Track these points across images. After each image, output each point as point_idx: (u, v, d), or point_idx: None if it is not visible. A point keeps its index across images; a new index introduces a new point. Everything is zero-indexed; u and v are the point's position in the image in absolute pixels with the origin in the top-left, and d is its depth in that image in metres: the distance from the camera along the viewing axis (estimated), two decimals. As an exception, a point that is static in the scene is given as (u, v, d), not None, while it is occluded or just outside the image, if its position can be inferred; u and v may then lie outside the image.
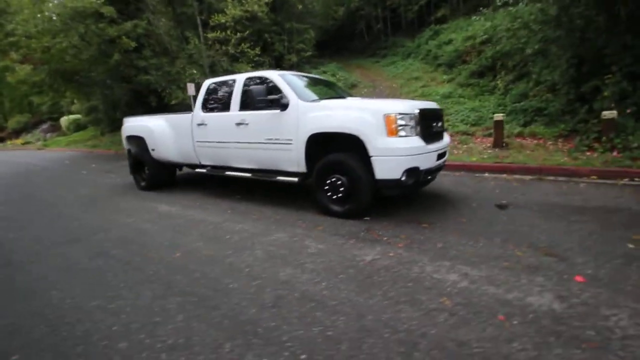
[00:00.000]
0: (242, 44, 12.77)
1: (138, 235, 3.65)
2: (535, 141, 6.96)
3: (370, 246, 2.92)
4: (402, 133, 3.33)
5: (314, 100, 3.95)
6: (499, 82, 11.16)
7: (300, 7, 15.85)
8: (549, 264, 2.45)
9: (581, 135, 6.20)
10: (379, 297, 2.14)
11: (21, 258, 3.24)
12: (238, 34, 12.75)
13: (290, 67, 16.92)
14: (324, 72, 17.61)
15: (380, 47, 23.50)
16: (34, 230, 4.08)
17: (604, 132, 5.71)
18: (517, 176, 5.37)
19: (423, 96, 12.46)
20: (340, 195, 3.64)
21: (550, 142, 6.71)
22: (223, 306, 2.17)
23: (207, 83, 5.09)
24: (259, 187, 5.69)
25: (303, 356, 1.69)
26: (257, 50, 13.53)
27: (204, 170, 5.14)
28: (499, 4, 8.44)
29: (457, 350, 1.66)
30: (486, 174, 5.69)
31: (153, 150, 5.59)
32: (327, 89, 4.77)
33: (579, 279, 2.22)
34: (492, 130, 8.28)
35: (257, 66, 14.42)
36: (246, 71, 13.72)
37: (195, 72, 12.20)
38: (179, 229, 3.74)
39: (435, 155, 3.62)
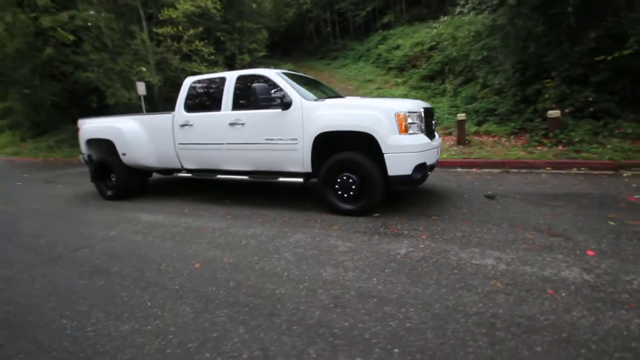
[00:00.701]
0: (197, 42, 12.11)
1: (131, 248, 3.28)
2: (491, 138, 7.72)
3: (396, 240, 3.00)
4: (411, 130, 3.49)
5: (316, 100, 3.93)
6: (447, 85, 12.14)
7: (254, 5, 15.49)
8: (559, 243, 2.76)
9: (531, 132, 7.04)
10: (434, 287, 2.22)
11: (-5, 284, 2.73)
12: (191, 30, 12.06)
13: (243, 67, 16.49)
14: (279, 73, 17.44)
15: (330, 50, 24.03)
16: (-8, 252, 3.45)
17: (550, 129, 6.56)
18: (486, 170, 5.92)
19: (379, 98, 13.00)
20: (352, 193, 3.68)
21: (504, 139, 7.49)
22: (282, 313, 2.07)
23: (189, 81, 4.76)
24: (243, 190, 5.49)
25: (395, 350, 1.70)
26: (211, 49, 12.95)
27: (188, 175, 4.80)
28: (456, 13, 9.13)
29: (531, 325, 1.81)
30: (459, 169, 6.18)
31: (124, 154, 5.05)
32: (317, 88, 4.77)
33: (590, 253, 2.55)
34: (451, 130, 8.99)
35: (211, 65, 13.83)
36: (199, 70, 13.12)
37: (144, 69, 11.27)
38: (180, 238, 3.45)
39: (436, 151, 3.85)
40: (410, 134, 3.46)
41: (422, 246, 2.84)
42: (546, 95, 7.15)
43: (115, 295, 2.44)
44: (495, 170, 5.78)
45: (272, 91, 4.09)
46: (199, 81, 4.73)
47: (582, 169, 5.38)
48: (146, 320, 2.10)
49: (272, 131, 4.01)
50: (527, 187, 4.61)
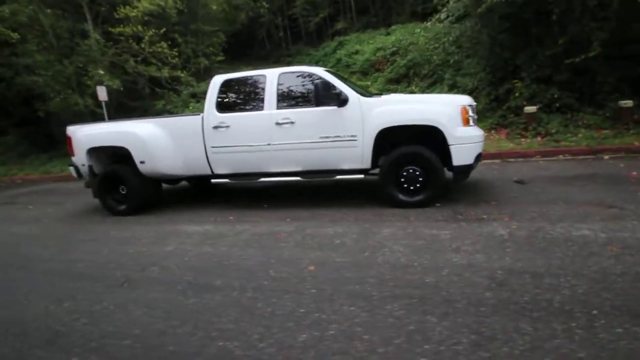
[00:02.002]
0: (162, 43, 11.23)
1: (213, 260, 2.99)
2: (473, 133, 8.46)
3: (486, 224, 3.18)
4: (471, 122, 3.73)
5: (372, 96, 3.99)
6: (414, 87, 12.98)
7: (215, 7, 14.86)
8: (621, 212, 3.18)
9: (510, 126, 7.89)
10: (566, 258, 2.43)
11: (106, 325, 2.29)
12: (150, 31, 11.13)
13: (202, 71, 15.69)
14: (242, 78, 16.93)
15: (284, 55, 23.98)
16: (55, 282, 2.86)
17: (528, 123, 7.43)
18: (486, 160, 6.49)
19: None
20: (418, 185, 3.79)
21: (486, 134, 8.27)
22: (456, 298, 2.08)
23: (219, 80, 4.45)
24: (258, 194, 5.27)
25: (594, 312, 1.84)
26: (175, 51, 12.11)
27: (223, 181, 4.47)
28: (428, 22, 9.76)
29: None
30: (461, 162, 6.68)
31: (142, 162, 4.51)
32: (354, 85, 4.79)
33: (655, 218, 3.01)
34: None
35: (172, 69, 12.88)
36: (160, 75, 12.17)
37: (102, 72, 10.11)
38: (259, 245, 3.24)
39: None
40: (471, 125, 3.71)
41: (514, 227, 3.06)
42: (517, 94, 8.08)
43: (249, 307, 2.22)
44: (497, 161, 6.37)
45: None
46: (231, 80, 4.45)
47: (567, 155, 6.21)
48: (319, 326, 1.96)
49: (327, 129, 3.96)
50: (538, 172, 5.18)
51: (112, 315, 2.29)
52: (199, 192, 5.96)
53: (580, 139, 6.56)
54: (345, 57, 17.59)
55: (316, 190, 5.20)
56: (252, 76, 4.42)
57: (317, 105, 3.90)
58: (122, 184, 4.75)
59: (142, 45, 11.10)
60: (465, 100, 3.79)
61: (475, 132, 3.72)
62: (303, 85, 4.19)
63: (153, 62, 12.07)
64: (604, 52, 6.42)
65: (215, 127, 4.33)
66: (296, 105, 4.14)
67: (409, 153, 3.78)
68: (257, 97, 4.27)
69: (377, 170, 4.02)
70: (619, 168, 4.92)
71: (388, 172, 3.87)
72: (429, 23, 9.39)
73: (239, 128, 4.26)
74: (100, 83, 9.86)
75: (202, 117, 4.41)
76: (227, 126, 4.29)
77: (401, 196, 3.87)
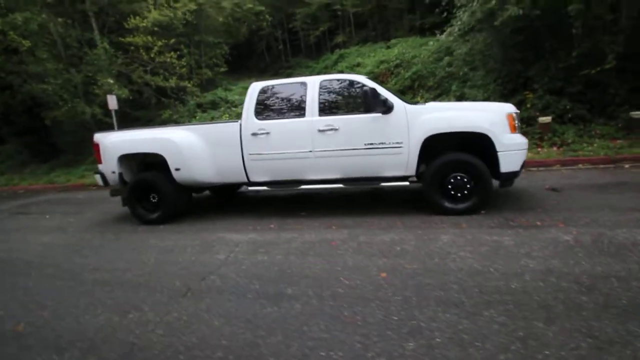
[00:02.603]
0: (170, 53, 11.21)
1: (274, 268, 2.91)
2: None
3: (548, 231, 3.16)
4: (517, 130, 3.77)
5: (416, 104, 4.01)
6: (419, 98, 13.19)
7: (221, 19, 14.96)
8: None
9: (526, 136, 8.01)
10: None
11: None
12: (159, 42, 11.12)
13: (205, 82, 15.68)
14: (245, 89, 16.98)
15: (283, 67, 24.20)
16: (104, 299, 2.72)
17: (543, 133, 7.58)
18: (507, 170, 6.56)
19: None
20: (465, 192, 3.78)
21: (499, 144, 8.40)
22: (558, 304, 2.04)
23: (257, 87, 4.43)
24: (292, 201, 5.20)
25: None
26: (183, 62, 12.10)
27: (261, 188, 4.39)
28: (449, 36, 9.84)
29: None
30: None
31: (177, 170, 4.41)
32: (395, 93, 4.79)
33: None
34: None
35: (179, 79, 12.85)
36: (168, 84, 12.11)
37: (111, 81, 9.99)
38: (316, 252, 3.16)
39: (524, 149, 4.20)
40: (517, 133, 3.75)
41: (575, 233, 3.06)
42: (528, 105, 8.26)
43: (336, 315, 2.14)
44: (518, 170, 6.44)
45: (358, 97, 4.06)
46: (269, 87, 4.42)
47: (586, 164, 6.33)
48: (421, 334, 1.90)
49: (372, 136, 3.95)
50: (566, 180, 5.24)
51: (189, 325, 2.17)
52: (222, 201, 5.86)
53: (597, 149, 6.70)
54: (348, 70, 17.82)
55: (348, 198, 5.16)
56: (291, 83, 4.42)
57: (367, 111, 3.89)
58: (153, 192, 4.63)
59: (152, 55, 11.05)
60: (511, 107, 3.85)
61: (521, 140, 3.76)
62: (344, 92, 4.20)
63: (160, 72, 12.04)
64: (617, 65, 6.64)
65: (254, 134, 4.28)
66: (339, 112, 4.14)
67: (457, 160, 3.78)
68: (298, 104, 4.25)
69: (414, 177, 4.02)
70: (645, 176, 5.03)
71: (432, 179, 3.86)
72: (441, 36, 9.54)
73: (279, 135, 4.22)
74: (110, 92, 9.74)
75: (240, 124, 4.36)
76: (267, 133, 4.24)
77: (447, 203, 3.85)
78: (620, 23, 6.36)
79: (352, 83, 4.16)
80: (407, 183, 3.97)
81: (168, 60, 11.31)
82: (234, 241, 3.66)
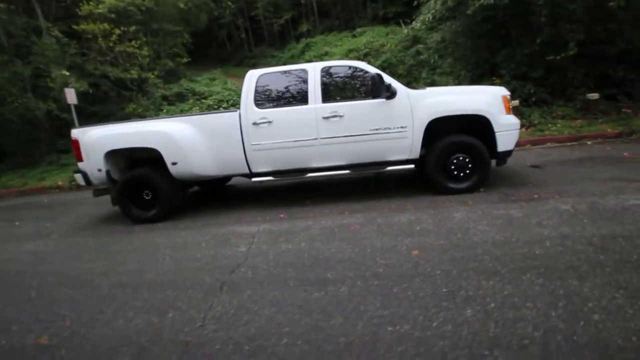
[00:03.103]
0: (132, 42, 10.44)
1: (303, 256, 2.91)
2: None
3: (547, 202, 3.44)
4: (512, 111, 4.03)
5: (417, 89, 4.13)
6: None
7: (182, 5, 14.11)
8: None
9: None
10: None
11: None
12: (117, 30, 10.29)
13: (168, 74, 14.85)
14: (212, 80, 16.36)
15: (247, 57, 23.56)
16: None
17: (512, 115, 8.13)
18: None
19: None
20: (467, 172, 3.99)
21: (472, 127, 8.89)
22: (582, 265, 2.26)
23: (255, 74, 4.30)
24: (283, 191, 5.18)
25: None
26: (145, 51, 11.32)
27: (265, 179, 4.31)
28: (423, 25, 10.06)
29: None
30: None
31: (174, 164, 4.18)
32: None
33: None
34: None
35: (142, 70, 12.03)
36: (130, 75, 11.32)
37: (67, 73, 9.12)
38: (340, 237, 3.20)
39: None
40: (511, 114, 4.01)
41: (571, 202, 3.37)
42: (496, 90, 8.80)
43: (387, 293, 2.20)
44: (495, 150, 6.88)
45: (364, 81, 4.10)
46: (268, 74, 4.31)
47: (554, 143, 6.91)
48: (475, 301, 2.01)
49: (377, 121, 4.02)
50: (543, 158, 5.69)
51: (240, 318, 2.12)
52: (211, 195, 5.68)
53: (561, 128, 7.34)
54: (316, 59, 17.72)
55: (346, 185, 5.22)
56: (290, 70, 4.34)
57: (374, 97, 3.94)
58: (147, 189, 4.36)
59: (110, 44, 10.22)
60: (504, 90, 4.10)
61: (515, 120, 4.02)
62: (346, 78, 4.21)
63: (120, 62, 11.19)
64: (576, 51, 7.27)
65: (256, 124, 4.17)
66: (341, 98, 4.15)
67: (459, 142, 3.97)
68: (299, 91, 4.20)
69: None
70: (608, 151, 5.60)
71: (437, 161, 4.02)
72: (414, 25, 9.75)
73: (282, 123, 4.14)
74: (67, 85, 8.90)
75: (240, 114, 4.22)
76: (269, 122, 4.15)
77: (450, 183, 4.05)
78: (578, 13, 6.93)
79: (353, 69, 4.18)
80: (412, 166, 4.10)
81: (129, 49, 10.51)
82: (248, 233, 3.58)
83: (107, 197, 4.60)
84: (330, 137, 4.09)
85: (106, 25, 10.08)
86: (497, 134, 3.90)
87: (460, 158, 3.98)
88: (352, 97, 4.13)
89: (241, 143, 4.22)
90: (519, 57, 8.35)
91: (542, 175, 4.53)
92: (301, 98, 4.18)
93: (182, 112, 11.91)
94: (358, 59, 15.62)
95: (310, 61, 18.30)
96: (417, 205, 3.84)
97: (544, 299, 1.96)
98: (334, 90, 4.18)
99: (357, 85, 4.15)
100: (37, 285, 2.93)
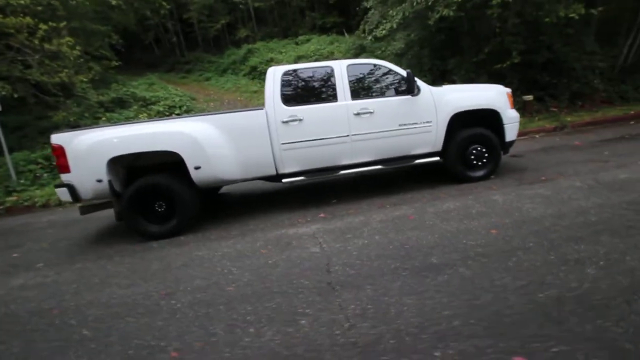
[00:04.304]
0: (66, 39, 8.99)
1: (390, 247, 2.90)
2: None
3: (558, 183, 3.99)
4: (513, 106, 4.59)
5: (436, 86, 4.42)
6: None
7: (113, 2, 12.62)
8: (614, 163, 4.48)
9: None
10: (644, 190, 3.39)
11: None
12: (50, 24, 8.80)
13: (93, 80, 13.11)
14: (152, 85, 14.92)
15: (180, 62, 22.13)
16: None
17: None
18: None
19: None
20: (484, 161, 4.39)
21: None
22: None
23: (279, 71, 4.11)
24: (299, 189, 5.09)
25: None
26: (78, 50, 9.84)
27: (298, 179, 4.13)
28: (370, 34, 10.59)
29: None
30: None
31: (197, 168, 3.74)
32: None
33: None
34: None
35: (76, 74, 10.43)
36: (54, 82, 9.73)
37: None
38: (408, 228, 3.25)
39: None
40: (513, 109, 4.55)
41: (578, 180, 3.97)
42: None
43: (506, 267, 2.33)
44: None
45: (388, 78, 4.27)
46: (292, 71, 4.16)
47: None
48: (582, 265, 2.26)
49: (404, 116, 4.19)
50: (512, 149, 6.53)
51: (387, 310, 2.03)
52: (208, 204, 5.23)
53: (509, 125, 8.51)
54: (262, 65, 17.49)
55: (353, 183, 5.27)
56: (314, 67, 4.27)
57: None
58: (161, 199, 3.83)
59: (36, 42, 8.64)
60: (506, 88, 4.64)
61: (516, 114, 4.58)
62: (371, 75, 4.31)
63: (46, 63, 9.53)
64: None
65: (285, 122, 3.99)
66: (368, 95, 4.23)
67: (476, 134, 4.36)
68: (327, 88, 4.16)
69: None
70: (559, 141, 6.69)
71: (457, 152, 4.36)
72: (374, 34, 10.24)
73: (314, 121, 4.04)
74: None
75: (266, 112, 4.00)
76: (300, 120, 4.01)
77: (469, 172, 4.42)
78: (519, 27, 8.19)
79: (377, 66, 4.30)
80: (438, 158, 4.36)
81: (62, 49, 9.02)
82: (305, 234, 3.40)
83: (73, 217, 3.90)
84: (362, 134, 4.13)
85: (29, 20, 8.50)
86: (505, 126, 4.41)
87: (478, 148, 4.39)
88: (379, 94, 4.25)
89: (269, 143, 4.00)
90: (467, 65, 9.47)
91: (528, 163, 5.21)
92: (330, 95, 4.14)
93: (128, 120, 10.67)
94: (308, 65, 15.89)
95: (255, 67, 18.06)
96: (450, 194, 4.10)
97: (633, 254, 2.30)
98: (360, 87, 4.23)
99: (382, 82, 4.28)
100: (81, 321, 2.36)
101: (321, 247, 3.05)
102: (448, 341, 1.74)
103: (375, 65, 4.33)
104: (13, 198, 7.05)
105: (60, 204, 6.88)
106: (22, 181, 7.61)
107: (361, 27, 14.53)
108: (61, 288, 2.92)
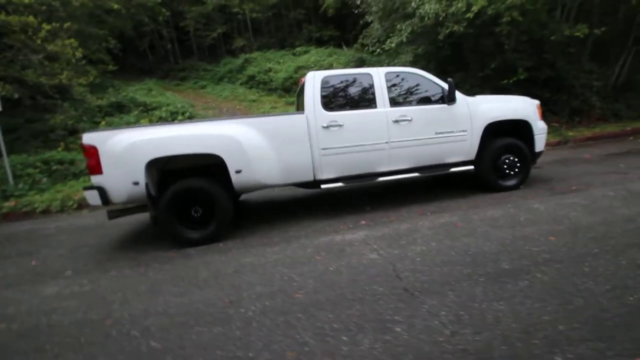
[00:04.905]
0: (71, 40, 8.74)
1: (451, 252, 2.86)
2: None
3: (590, 192, 4.09)
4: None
5: (469, 95, 4.50)
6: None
7: (116, 6, 12.41)
8: (635, 174, 4.64)
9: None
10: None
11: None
12: (52, 23, 8.55)
13: (91, 85, 12.77)
14: (150, 91, 14.64)
15: (174, 69, 21.86)
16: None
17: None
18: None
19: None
20: (515, 170, 4.46)
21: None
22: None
23: (319, 76, 4.09)
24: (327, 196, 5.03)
25: None
26: (80, 52, 9.57)
27: (336, 185, 4.06)
28: (391, 45, 10.75)
29: None
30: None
31: (238, 172, 3.63)
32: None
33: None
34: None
35: (77, 76, 10.13)
36: (52, 84, 9.41)
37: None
38: (462, 234, 3.22)
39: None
40: (542, 120, 4.68)
41: (610, 190, 4.07)
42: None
43: (582, 271, 2.33)
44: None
45: (424, 87, 4.33)
46: (331, 77, 4.15)
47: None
48: (660, 268, 2.29)
49: (441, 125, 4.23)
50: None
51: (483, 316, 1.97)
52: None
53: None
54: (260, 74, 17.52)
55: (372, 192, 5.24)
56: (353, 73, 4.27)
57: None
58: (198, 204, 3.68)
59: (39, 42, 8.36)
60: (536, 100, 4.77)
61: (545, 125, 4.70)
62: (408, 83, 4.33)
63: (46, 64, 9.22)
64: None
65: (326, 127, 3.95)
66: (407, 103, 4.25)
67: (509, 144, 4.43)
68: (365, 94, 4.16)
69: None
70: (568, 155, 6.90)
71: (490, 161, 4.41)
72: (381, 48, 10.38)
73: (354, 127, 4.02)
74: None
75: (307, 117, 3.95)
76: (340, 125, 3.98)
77: (501, 181, 4.47)
78: (525, 44, 8.53)
79: (410, 75, 4.35)
80: (472, 167, 4.39)
81: (64, 50, 8.74)
82: (354, 240, 3.32)
83: (81, 223, 3.73)
84: (400, 141, 4.13)
85: (31, 18, 8.23)
86: (535, 137, 4.51)
87: (510, 158, 4.45)
88: (416, 102, 4.28)
89: (309, 148, 3.94)
90: (472, 80, 9.74)
91: (550, 174, 5.32)
92: (368, 101, 4.14)
93: (129, 125, 10.38)
94: (308, 76, 15.94)
95: (253, 76, 18.05)
96: (486, 202, 4.12)
97: None
98: (397, 94, 4.25)
99: (419, 90, 4.32)
100: (143, 332, 2.19)
101: (378, 253, 2.98)
102: (562, 346, 1.70)
103: (411, 73, 4.37)
104: (11, 203, 6.65)
105: (62, 209, 6.58)
106: (20, 186, 7.20)
107: (359, 40, 14.86)
108: (105, 297, 2.72)
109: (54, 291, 2.94)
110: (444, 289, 2.32)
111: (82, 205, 6.63)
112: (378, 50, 10.48)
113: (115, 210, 3.93)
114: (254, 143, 3.73)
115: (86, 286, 2.96)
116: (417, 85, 4.34)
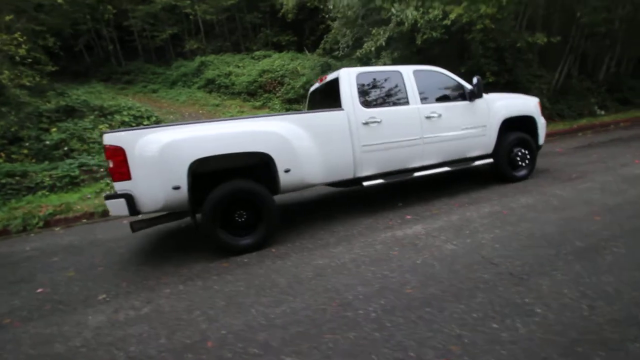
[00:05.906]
0: (17, 34, 7.49)
1: (518, 238, 2.98)
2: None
3: (592, 179, 4.54)
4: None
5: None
6: (313, 107, 14.14)
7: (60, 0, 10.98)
8: (615, 163, 5.32)
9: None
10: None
11: None
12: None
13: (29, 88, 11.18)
14: (100, 94, 13.14)
15: (117, 72, 20.02)
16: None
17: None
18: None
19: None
20: (527, 162, 4.83)
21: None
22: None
23: (353, 73, 4.02)
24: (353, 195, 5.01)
25: None
26: (24, 50, 8.28)
27: (379, 182, 4.00)
28: (371, 48, 10.90)
29: None
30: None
31: (287, 171, 3.39)
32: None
33: None
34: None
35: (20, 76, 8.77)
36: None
37: None
38: (514, 221, 3.38)
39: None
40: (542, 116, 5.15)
41: (611, 176, 4.58)
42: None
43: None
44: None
45: (449, 84, 4.52)
46: (363, 73, 4.10)
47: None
48: None
49: (465, 121, 4.43)
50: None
51: (609, 299, 2.08)
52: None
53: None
54: (221, 78, 16.82)
55: (392, 188, 5.31)
56: (384, 71, 4.29)
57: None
58: (242, 208, 3.36)
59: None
60: (536, 97, 5.23)
61: (544, 121, 5.16)
62: (432, 80, 4.46)
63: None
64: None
65: (366, 123, 3.90)
66: (434, 99, 4.38)
67: (520, 138, 4.79)
68: (398, 91, 4.19)
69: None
70: (544, 149, 7.63)
71: (503, 154, 4.73)
72: (359, 51, 10.57)
73: (391, 123, 4.02)
74: None
75: (347, 113, 3.86)
76: (379, 122, 3.96)
77: (514, 173, 4.81)
78: (493, 50, 9.36)
79: (436, 72, 4.50)
80: (491, 160, 4.65)
81: (3, 47, 7.48)
82: (418, 234, 3.29)
83: (58, 242, 3.30)
84: (432, 136, 4.24)
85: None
86: (539, 131, 4.95)
87: (522, 151, 4.82)
88: (443, 99, 4.43)
89: (350, 144, 3.85)
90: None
91: (545, 164, 5.83)
92: (401, 98, 4.19)
93: (86, 130, 9.21)
94: (275, 80, 15.74)
95: (213, 80, 17.29)
96: (509, 193, 4.37)
97: None
98: (426, 91, 4.35)
99: (444, 88, 4.49)
100: (265, 348, 1.92)
101: (452, 244, 3.00)
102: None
103: (434, 71, 4.53)
104: (-46, 226, 5.47)
105: (24, 229, 5.60)
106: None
107: (321, 45, 15.06)
108: (181, 317, 2.34)
109: (101, 319, 2.45)
110: (547, 270, 2.41)
111: (50, 222, 5.73)
112: (357, 54, 10.60)
113: (141, 220, 3.43)
114: (301, 141, 3.54)
115: (143, 309, 2.52)
116: (440, 82, 4.51)
